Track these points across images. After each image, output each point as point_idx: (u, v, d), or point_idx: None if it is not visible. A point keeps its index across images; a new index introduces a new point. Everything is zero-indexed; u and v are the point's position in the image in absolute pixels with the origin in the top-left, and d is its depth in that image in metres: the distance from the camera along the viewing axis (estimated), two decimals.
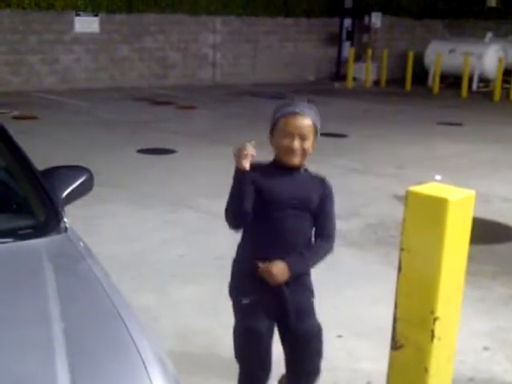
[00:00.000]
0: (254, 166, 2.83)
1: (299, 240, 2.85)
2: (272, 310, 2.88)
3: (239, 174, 2.72)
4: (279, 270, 2.78)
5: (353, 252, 5.63)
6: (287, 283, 2.83)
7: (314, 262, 2.92)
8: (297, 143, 2.77)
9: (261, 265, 2.79)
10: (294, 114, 2.80)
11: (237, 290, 2.93)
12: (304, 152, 2.82)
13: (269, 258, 2.81)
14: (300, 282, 2.91)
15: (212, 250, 5.31)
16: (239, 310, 2.92)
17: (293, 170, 2.86)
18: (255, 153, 2.71)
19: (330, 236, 2.92)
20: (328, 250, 2.93)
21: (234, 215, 2.81)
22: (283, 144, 2.79)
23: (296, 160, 2.81)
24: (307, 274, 2.97)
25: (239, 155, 2.69)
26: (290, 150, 2.78)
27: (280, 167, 2.86)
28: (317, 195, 2.87)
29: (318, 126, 2.86)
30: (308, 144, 2.81)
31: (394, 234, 5.71)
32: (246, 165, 2.69)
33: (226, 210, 2.82)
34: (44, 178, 2.89)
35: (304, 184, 2.87)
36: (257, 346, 2.90)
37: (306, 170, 2.92)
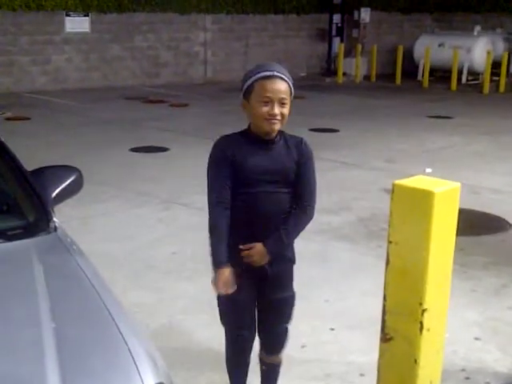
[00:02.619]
0: (228, 139, 2.80)
1: (279, 215, 2.81)
2: (253, 280, 2.91)
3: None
4: (259, 255, 2.81)
5: (344, 245, 5.66)
6: (269, 262, 2.86)
7: (295, 237, 2.91)
8: (277, 109, 2.66)
9: (241, 247, 2.81)
10: (272, 76, 2.66)
11: None
12: (283, 118, 2.71)
13: (249, 234, 2.81)
14: (281, 256, 2.91)
15: (205, 246, 5.29)
16: None
17: (267, 140, 2.77)
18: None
19: (309, 206, 2.85)
20: (308, 220, 2.88)
21: None
22: (262, 111, 2.66)
23: (276, 127, 2.71)
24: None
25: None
26: (270, 117, 2.66)
27: (254, 138, 2.77)
28: (292, 162, 2.78)
29: (293, 89, 2.75)
30: (287, 109, 2.71)
31: (385, 227, 5.69)
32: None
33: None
34: (33, 178, 2.89)
35: (280, 155, 2.77)
36: (239, 311, 2.96)
37: (282, 134, 2.81)
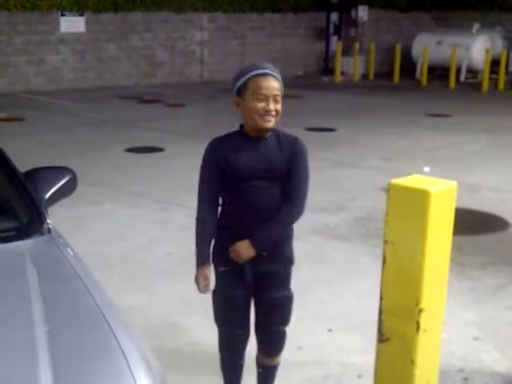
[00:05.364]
0: (220, 141, 2.87)
1: (270, 210, 2.83)
2: (247, 278, 2.94)
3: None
4: (243, 249, 2.83)
5: (341, 245, 5.64)
6: (262, 256, 2.88)
7: (281, 231, 2.89)
8: (272, 105, 2.73)
9: (231, 248, 2.88)
10: (266, 74, 2.75)
11: (216, 257, 2.98)
12: (277, 114, 2.77)
13: (241, 230, 2.85)
14: (276, 252, 2.92)
15: None
16: (217, 277, 2.99)
17: (260, 138, 2.83)
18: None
19: (297, 199, 2.86)
20: (295, 214, 2.88)
21: None
22: (258, 107, 2.73)
23: (271, 123, 2.77)
24: (286, 243, 2.96)
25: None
26: (266, 113, 2.74)
27: (245, 137, 2.83)
28: (285, 160, 2.82)
29: (283, 88, 2.83)
30: (280, 106, 2.77)
31: (382, 226, 5.70)
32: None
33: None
34: (27, 179, 2.89)
35: (271, 152, 2.82)
36: (233, 310, 2.98)
37: (275, 132, 2.86)
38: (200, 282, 2.94)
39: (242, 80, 2.77)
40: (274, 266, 2.93)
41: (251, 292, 2.99)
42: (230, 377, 3.21)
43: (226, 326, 3.06)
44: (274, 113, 2.75)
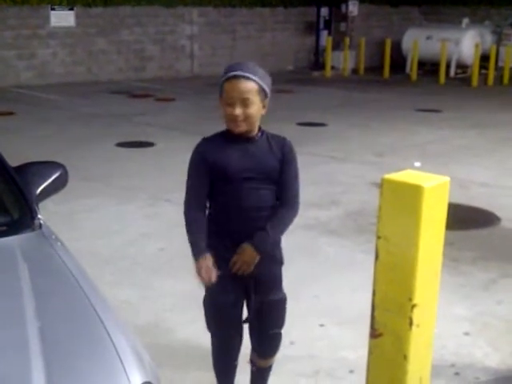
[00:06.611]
0: (208, 143, 2.80)
1: (262, 213, 2.79)
2: (238, 282, 2.87)
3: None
4: (247, 256, 2.77)
5: (333, 240, 5.64)
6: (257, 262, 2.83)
7: (281, 233, 2.87)
8: (238, 110, 2.65)
9: (232, 261, 2.79)
10: (235, 77, 2.65)
11: None
12: (247, 118, 2.68)
13: (232, 234, 2.80)
14: (270, 257, 2.87)
15: None
16: None
17: (246, 138, 2.76)
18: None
19: (293, 202, 2.85)
20: (293, 215, 2.87)
21: None
22: (227, 112, 2.68)
23: (241, 128, 2.70)
24: (276, 244, 2.93)
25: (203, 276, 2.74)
26: (233, 118, 2.67)
27: (235, 138, 2.76)
28: (276, 161, 2.78)
29: (266, 87, 2.71)
30: (252, 109, 2.67)
31: (374, 221, 5.68)
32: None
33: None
34: (18, 174, 2.87)
35: (260, 152, 2.77)
36: (225, 316, 2.93)
37: (263, 134, 2.80)
38: (203, 275, 2.74)
39: (220, 84, 2.72)
40: (265, 268, 2.86)
41: (242, 295, 2.94)
42: (223, 378, 3.17)
43: (219, 332, 2.99)
44: (241, 118, 2.66)
